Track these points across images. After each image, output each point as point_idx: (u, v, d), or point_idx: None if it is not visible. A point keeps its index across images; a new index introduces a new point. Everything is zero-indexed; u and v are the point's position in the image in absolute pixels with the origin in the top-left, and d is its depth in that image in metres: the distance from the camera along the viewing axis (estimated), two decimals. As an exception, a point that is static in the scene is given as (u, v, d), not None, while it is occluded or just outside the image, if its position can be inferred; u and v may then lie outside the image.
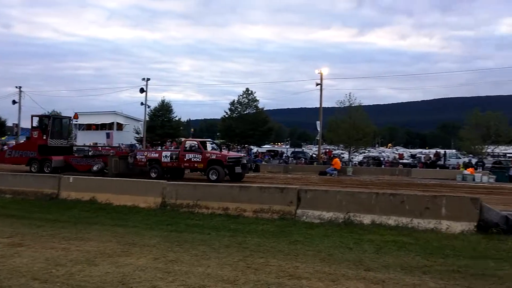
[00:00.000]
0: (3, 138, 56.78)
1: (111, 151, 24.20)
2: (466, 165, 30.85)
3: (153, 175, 19.90)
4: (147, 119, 47.56)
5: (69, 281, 5.00)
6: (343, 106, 42.18)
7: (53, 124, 23.50)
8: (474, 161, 35.16)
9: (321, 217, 9.20)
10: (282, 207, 9.65)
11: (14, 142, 40.30)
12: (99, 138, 47.35)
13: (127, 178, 15.24)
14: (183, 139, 55.32)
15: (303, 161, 40.80)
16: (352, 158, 42.96)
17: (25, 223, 8.80)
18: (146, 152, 22.42)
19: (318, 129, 39.63)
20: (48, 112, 39.89)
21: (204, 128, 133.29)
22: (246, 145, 48.90)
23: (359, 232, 8.04)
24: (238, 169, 19.54)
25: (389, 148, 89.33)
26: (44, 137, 22.78)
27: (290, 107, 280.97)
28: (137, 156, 21.47)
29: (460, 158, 40.08)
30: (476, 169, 28.93)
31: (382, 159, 44.51)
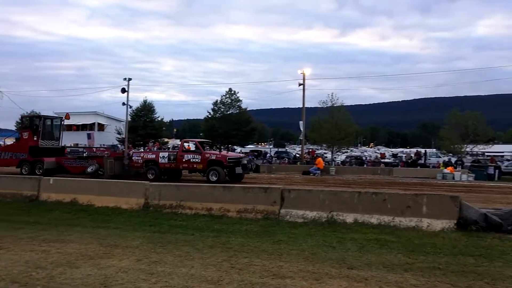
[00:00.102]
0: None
1: (106, 152, 23.62)
2: (446, 164, 31.44)
3: (150, 176, 19.48)
4: (129, 119, 47.02)
5: (50, 284, 4.91)
6: (325, 106, 42.47)
7: (44, 125, 22.83)
8: (453, 160, 35.83)
9: (304, 216, 9.25)
10: (266, 207, 9.67)
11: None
12: (80, 138, 46.60)
13: (122, 179, 14.95)
14: (166, 139, 54.67)
15: (286, 161, 40.98)
16: (335, 157, 43.29)
17: (3, 225, 8.60)
18: (142, 153, 21.97)
19: (301, 129, 39.85)
20: (27, 112, 39.12)
21: (187, 128, 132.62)
22: (229, 145, 48.82)
23: (342, 231, 8.11)
24: (238, 170, 19.26)
25: (371, 147, 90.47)
26: (35, 138, 22.13)
27: (273, 107, 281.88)
28: (133, 157, 21.03)
29: (440, 157, 40.80)
30: (455, 168, 29.51)
31: (364, 158, 45.03)
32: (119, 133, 51.25)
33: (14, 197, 12.25)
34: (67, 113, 30.13)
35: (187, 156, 19.67)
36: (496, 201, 13.46)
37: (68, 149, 24.22)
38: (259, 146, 71.45)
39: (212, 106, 54.27)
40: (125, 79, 43.14)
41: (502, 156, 49.82)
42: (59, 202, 11.49)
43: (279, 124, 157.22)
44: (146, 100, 53.35)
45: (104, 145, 41.00)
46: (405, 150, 69.13)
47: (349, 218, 8.89)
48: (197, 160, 19.43)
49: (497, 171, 29.20)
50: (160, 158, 20.16)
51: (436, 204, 8.57)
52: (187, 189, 11.14)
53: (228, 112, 53.32)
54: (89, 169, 20.44)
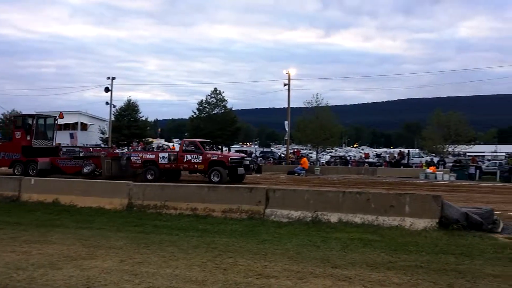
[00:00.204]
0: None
1: (102, 152, 22.94)
2: (429, 164, 31.88)
3: (149, 177, 19.15)
4: (113, 119, 46.55)
5: (31, 286, 4.83)
6: (310, 106, 42.73)
7: (37, 124, 22.23)
8: (436, 160, 36.36)
9: (289, 216, 9.28)
10: (251, 207, 9.67)
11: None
12: (63, 138, 45.77)
13: (119, 180, 14.65)
14: (150, 139, 54.23)
15: (271, 161, 41.06)
16: (319, 157, 43.61)
17: (-17, 226, 8.43)
18: (141, 153, 21.47)
19: (286, 129, 39.97)
20: (8, 111, 38.40)
21: (172, 128, 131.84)
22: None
23: (327, 230, 8.16)
24: (241, 170, 18.97)
25: (355, 147, 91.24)
26: (28, 138, 21.54)
27: (258, 107, 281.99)
28: (132, 158, 20.60)
29: (423, 157, 41.37)
30: (437, 167, 29.95)
31: (348, 158, 45.40)
32: (102, 133, 50.67)
33: (-6, 198, 12.00)
34: (60, 112, 29.49)
35: (188, 157, 19.25)
36: (477, 200, 13.73)
37: (64, 149, 23.64)
38: (244, 146, 71.42)
39: (197, 106, 54.22)
40: (108, 78, 42.85)
41: (483, 156, 50.85)
42: (41, 203, 11.30)
43: (264, 124, 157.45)
44: (130, 100, 52.89)
45: (87, 144, 40.46)
46: (388, 150, 69.96)
47: (334, 217, 8.95)
48: (198, 160, 19.03)
49: (478, 171, 29.74)
50: (160, 158, 19.71)
51: (419, 204, 8.69)
52: (171, 189, 11.08)
53: (213, 112, 53.29)
54: (85, 170, 20.00)
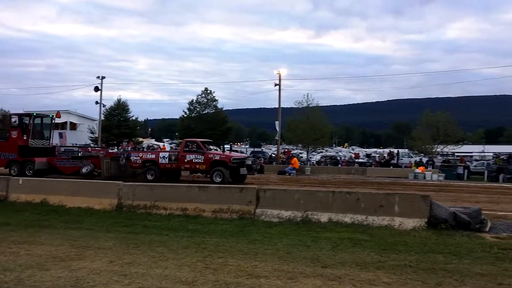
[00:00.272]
0: None
1: (101, 152, 22.36)
2: (418, 164, 32.15)
3: (149, 177, 18.78)
4: (103, 118, 46.21)
5: (18, 287, 4.78)
6: (301, 106, 42.83)
7: (34, 123, 21.77)
8: (425, 160, 36.67)
9: (280, 216, 9.29)
10: (241, 207, 9.67)
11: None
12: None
13: (118, 180, 14.45)
14: (140, 139, 53.88)
15: (262, 161, 41.05)
16: (310, 157, 43.70)
17: (-31, 227, 8.32)
18: (141, 153, 21.03)
19: (277, 129, 40.05)
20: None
21: (162, 127, 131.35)
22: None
23: (317, 230, 8.19)
24: (243, 171, 18.70)
25: (345, 147, 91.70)
26: (25, 138, 21.06)
27: (249, 107, 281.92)
28: (131, 158, 20.20)
29: (412, 157, 41.70)
30: (426, 167, 30.17)
31: (339, 158, 45.66)
32: (92, 132, 50.28)
33: (-19, 198, 11.84)
34: (57, 112, 29.04)
35: (189, 157, 18.88)
36: (465, 200, 13.85)
37: (62, 149, 23.26)
38: (235, 146, 71.39)
39: (187, 106, 54.02)
40: (98, 77, 42.54)
41: (471, 156, 51.46)
42: (29, 203, 11.18)
43: (255, 124, 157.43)
44: (120, 99, 52.48)
45: (77, 144, 40.08)
46: (378, 150, 70.56)
47: (324, 217, 8.98)
48: (200, 160, 18.70)
49: (466, 171, 30.05)
50: (160, 158, 19.34)
51: (408, 203, 8.76)
52: (161, 189, 11.04)
53: (204, 112, 53.10)
54: (84, 170, 19.67)
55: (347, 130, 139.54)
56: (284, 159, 38.06)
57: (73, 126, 55.31)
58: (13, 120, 21.72)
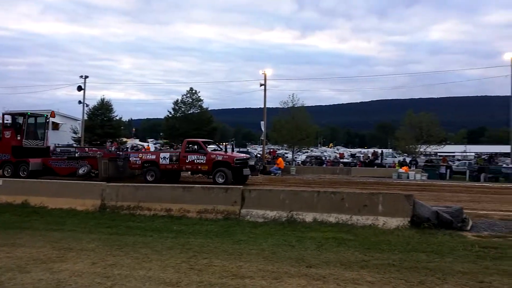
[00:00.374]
0: None
1: (98, 152, 21.90)
2: (401, 164, 32.52)
3: (149, 178, 18.37)
4: (86, 118, 45.62)
5: (-2, 291, 4.69)
6: (286, 106, 42.98)
7: (28, 123, 21.09)
8: (408, 160, 37.14)
9: (265, 216, 9.29)
10: (226, 207, 9.65)
11: None
12: (33, 138, 44.65)
13: (117, 182, 14.18)
14: (124, 139, 53.28)
15: (248, 161, 40.99)
16: (295, 157, 43.88)
17: None
18: (141, 154, 20.63)
19: (262, 129, 40.03)
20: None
21: (147, 127, 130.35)
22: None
23: (302, 230, 8.22)
24: (246, 171, 18.48)
25: (330, 147, 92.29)
26: (18, 138, 20.42)
27: (234, 107, 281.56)
28: (130, 158, 19.80)
29: (396, 157, 42.20)
30: (410, 167, 30.58)
31: (324, 158, 45.87)
32: (75, 132, 49.54)
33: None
34: (52, 111, 28.36)
35: (191, 157, 18.51)
36: (447, 199, 14.06)
37: (58, 149, 22.63)
38: (220, 146, 71.14)
39: (172, 106, 53.71)
40: (81, 76, 41.96)
41: (453, 156, 52.26)
42: (9, 204, 10.98)
43: (240, 124, 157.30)
44: (103, 99, 51.88)
45: (59, 144, 39.45)
46: (363, 150, 71.17)
47: (309, 217, 9.01)
48: (202, 161, 18.34)
49: (448, 170, 30.54)
50: (161, 159, 18.92)
51: (391, 203, 8.84)
52: (145, 189, 10.93)
53: (189, 112, 52.87)
54: (80, 171, 19.19)
55: (332, 130, 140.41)
56: (269, 159, 38.10)
57: (56, 126, 54.35)
58: (6, 119, 21.20)
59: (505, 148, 45.01)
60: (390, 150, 53.42)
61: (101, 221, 9.10)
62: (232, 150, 22.70)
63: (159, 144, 54.31)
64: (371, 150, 59.33)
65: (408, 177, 26.20)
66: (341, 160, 43.59)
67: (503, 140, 54.23)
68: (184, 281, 5.03)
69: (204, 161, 18.38)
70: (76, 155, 21.02)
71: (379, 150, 50.81)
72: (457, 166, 36.66)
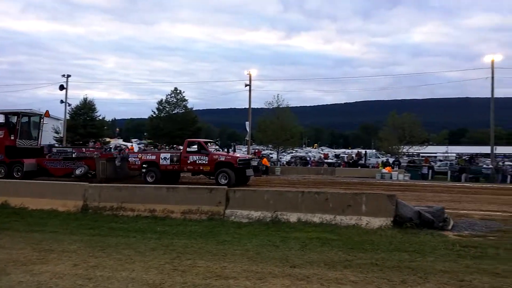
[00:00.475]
0: None
1: (95, 152, 21.56)
2: (384, 164, 32.91)
3: (149, 179, 18.06)
4: (68, 118, 44.95)
5: (-25, 294, 4.58)
6: (271, 107, 43.06)
7: (22, 123, 20.72)
8: (391, 160, 37.57)
9: (249, 216, 9.29)
10: (211, 208, 9.61)
11: None
12: (14, 137, 43.78)
13: (115, 183, 13.87)
14: (107, 139, 52.66)
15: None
16: (280, 158, 43.98)
17: None
18: (141, 154, 20.25)
19: (247, 129, 40.02)
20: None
21: (131, 127, 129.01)
22: (174, 146, 48.10)
23: (286, 230, 8.24)
24: (249, 172, 18.29)
25: (315, 148, 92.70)
26: (12, 138, 20.03)
27: (219, 108, 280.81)
28: (129, 159, 19.47)
29: (379, 157, 42.65)
30: (393, 168, 30.96)
31: (308, 159, 46.07)
32: (56, 132, 48.78)
33: None
34: (47, 111, 27.74)
35: (193, 158, 18.25)
36: (429, 199, 14.27)
37: (55, 149, 22.11)
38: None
39: (157, 105, 53.33)
40: (63, 75, 41.34)
41: (435, 156, 53.04)
42: (-12, 206, 10.73)
43: (225, 125, 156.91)
44: (86, 98, 51.17)
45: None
46: (347, 150, 71.69)
47: (293, 217, 9.04)
48: (204, 161, 18.09)
49: (430, 171, 31.03)
50: (161, 159, 18.62)
51: (375, 203, 8.93)
52: (129, 190, 10.84)
53: (174, 112, 52.56)
54: (77, 172, 18.91)
55: (316, 131, 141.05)
56: (254, 160, 38.05)
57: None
58: None
59: (485, 149, 45.90)
60: (374, 150, 53.94)
61: (83, 222, 8.98)
62: (234, 151, 22.41)
63: (143, 144, 53.80)
64: (355, 150, 59.85)
65: (391, 178, 26.51)
66: (326, 160, 43.85)
67: (484, 141, 55.28)
68: (167, 282, 4.99)
69: (206, 162, 18.11)
70: (73, 155, 20.64)
71: (363, 151, 51.33)
72: (439, 166, 37.23)
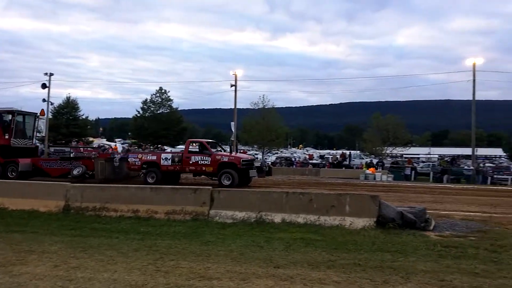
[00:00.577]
0: None
1: (93, 152, 21.16)
2: (368, 165, 33.24)
3: (150, 180, 17.61)
4: (50, 117, 44.26)
5: (-48, 296, 4.47)
6: (257, 107, 43.16)
7: (16, 121, 20.08)
8: (375, 161, 37.97)
9: (234, 217, 9.27)
10: (195, 208, 9.57)
11: None
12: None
13: (114, 183, 13.57)
14: (91, 138, 52.04)
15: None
16: (265, 158, 44.04)
17: None
18: (141, 155, 19.75)
19: (233, 130, 39.98)
20: None
21: (114, 127, 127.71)
22: (159, 146, 47.76)
23: (270, 230, 8.24)
24: (253, 173, 17.98)
25: (300, 149, 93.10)
26: (6, 137, 19.43)
27: (205, 108, 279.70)
28: (129, 159, 19.07)
29: (363, 158, 43.13)
30: (376, 168, 31.26)
31: (293, 159, 46.27)
32: (38, 131, 47.98)
33: None
34: (42, 109, 27.11)
35: (195, 158, 17.88)
36: (412, 200, 14.43)
37: (52, 149, 21.58)
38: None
39: (141, 105, 52.88)
40: (46, 74, 40.65)
41: (418, 158, 53.88)
42: (-33, 206, 10.49)
43: (210, 125, 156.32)
44: (69, 97, 50.50)
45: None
46: (331, 151, 72.21)
47: (277, 218, 9.06)
48: (206, 162, 17.73)
49: (413, 172, 31.45)
50: (162, 160, 18.23)
51: (358, 204, 9.01)
52: (112, 190, 10.71)
53: (158, 112, 52.19)
54: (75, 172, 18.39)
55: (301, 132, 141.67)
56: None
57: (18, 124, 52.58)
58: None
59: (466, 151, 46.76)
60: (358, 151, 54.49)
61: (65, 223, 8.84)
62: (236, 151, 22.14)
63: (127, 144, 53.28)
64: (340, 151, 60.27)
65: (374, 178, 26.74)
66: (310, 161, 44.11)
67: (465, 143, 56.31)
68: (150, 283, 4.95)
69: (209, 163, 17.80)
70: (72, 155, 20.22)
71: (347, 152, 51.72)
72: (421, 167, 37.78)
